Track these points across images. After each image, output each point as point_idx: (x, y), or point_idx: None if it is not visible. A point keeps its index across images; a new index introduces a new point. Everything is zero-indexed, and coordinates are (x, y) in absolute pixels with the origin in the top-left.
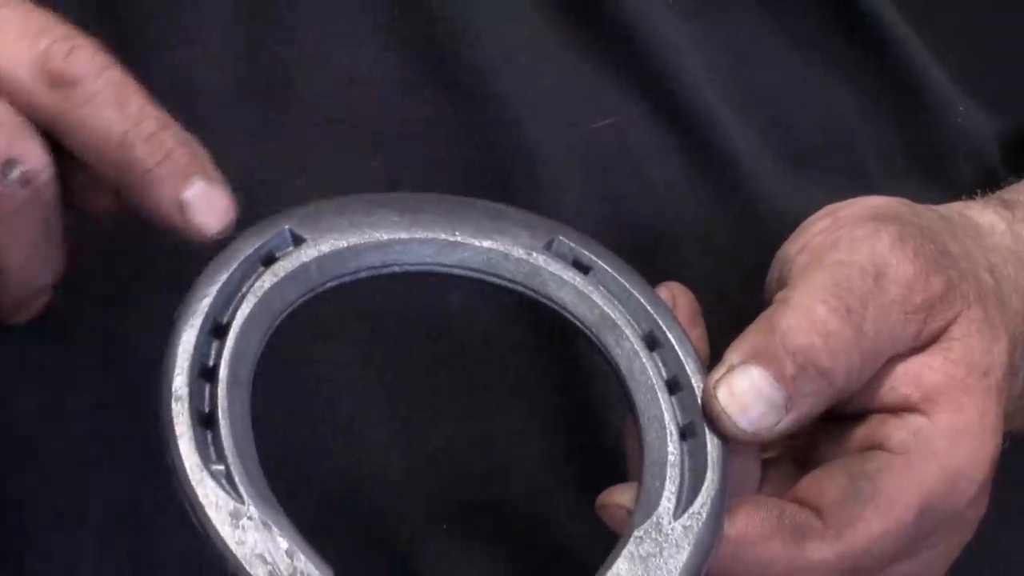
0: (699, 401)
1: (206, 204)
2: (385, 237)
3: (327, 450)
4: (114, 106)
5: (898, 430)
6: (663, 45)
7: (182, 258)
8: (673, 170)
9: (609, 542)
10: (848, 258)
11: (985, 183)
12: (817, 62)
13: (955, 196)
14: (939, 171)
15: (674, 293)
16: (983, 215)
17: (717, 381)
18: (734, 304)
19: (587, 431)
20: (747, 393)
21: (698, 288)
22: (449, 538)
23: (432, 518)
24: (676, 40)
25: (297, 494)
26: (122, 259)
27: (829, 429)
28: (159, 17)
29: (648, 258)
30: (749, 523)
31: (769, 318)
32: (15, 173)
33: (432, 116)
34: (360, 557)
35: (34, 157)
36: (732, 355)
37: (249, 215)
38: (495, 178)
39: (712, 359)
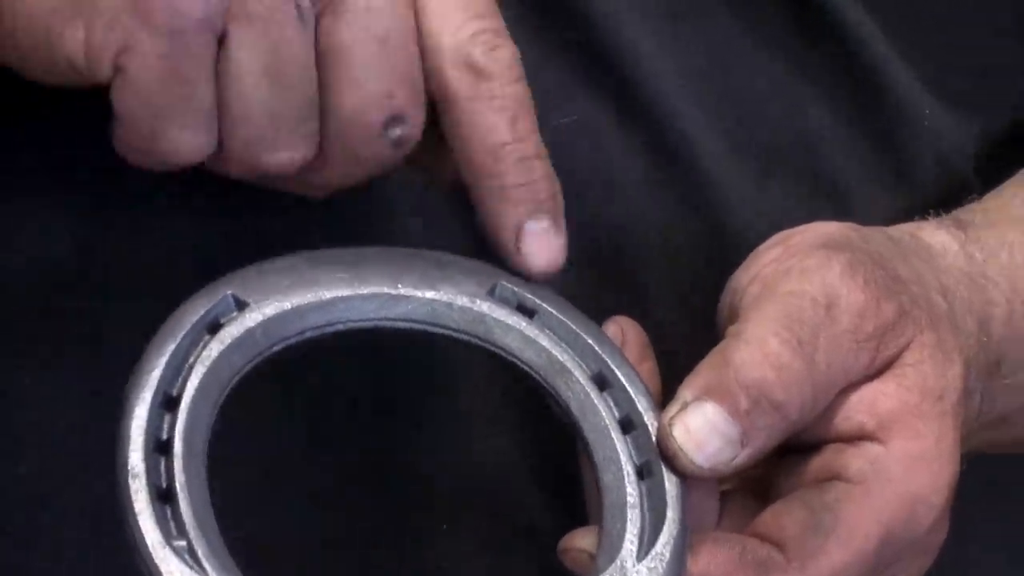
0: (653, 439)
1: (543, 241)
2: (328, 296)
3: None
4: (508, 116)
5: (855, 459)
6: (631, 47)
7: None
8: (638, 171)
9: None
10: (799, 288)
11: (953, 187)
12: (785, 66)
13: (922, 200)
14: (907, 175)
15: (622, 327)
16: (935, 236)
17: (672, 418)
18: (695, 308)
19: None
20: (702, 429)
21: (660, 291)
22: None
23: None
24: (644, 42)
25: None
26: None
27: (785, 461)
28: None
29: (610, 259)
30: (712, 561)
31: (722, 352)
32: (395, 132)
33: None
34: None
35: (417, 125)
36: (686, 392)
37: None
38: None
39: (673, 368)
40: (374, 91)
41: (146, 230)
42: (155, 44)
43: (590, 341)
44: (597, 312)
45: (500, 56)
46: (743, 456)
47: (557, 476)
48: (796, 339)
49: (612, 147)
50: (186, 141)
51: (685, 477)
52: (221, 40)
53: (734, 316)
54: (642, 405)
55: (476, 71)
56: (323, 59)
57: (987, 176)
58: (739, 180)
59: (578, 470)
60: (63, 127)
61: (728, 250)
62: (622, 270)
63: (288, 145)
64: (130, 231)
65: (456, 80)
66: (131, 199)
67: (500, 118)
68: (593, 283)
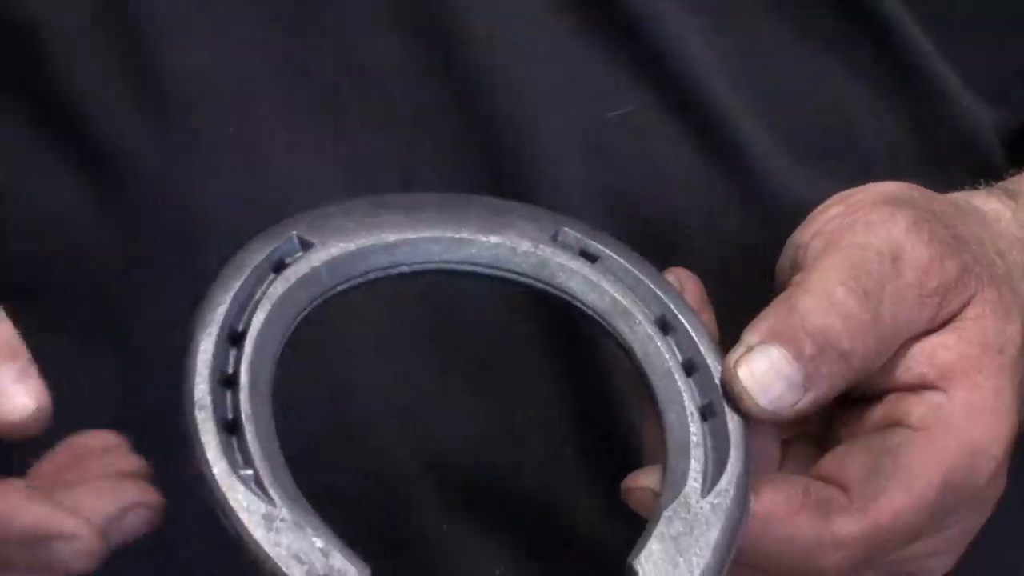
0: (716, 381)
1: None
2: (392, 238)
3: (342, 444)
4: None
5: (917, 406)
6: (671, 36)
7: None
8: (682, 159)
9: (625, 530)
10: (864, 241)
11: (979, 171)
12: (824, 54)
13: (955, 186)
14: (941, 162)
15: (680, 279)
16: (988, 203)
17: (737, 360)
18: (744, 291)
19: (599, 425)
20: (767, 372)
21: (708, 275)
22: (464, 528)
23: (448, 508)
24: (685, 31)
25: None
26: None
27: (846, 410)
28: (174, 19)
29: (658, 246)
30: (775, 499)
31: (788, 300)
32: None
33: (442, 105)
34: (376, 548)
35: None
36: (751, 335)
37: (265, 206)
38: (506, 166)
39: (721, 344)
40: None
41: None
42: None
43: (652, 286)
44: None
45: None
46: (805, 401)
47: (572, 469)
48: (863, 289)
49: (660, 138)
50: None
51: (748, 419)
52: None
53: (796, 271)
54: (704, 348)
55: None
56: None
57: (1012, 158)
58: (784, 167)
59: (592, 462)
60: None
61: (775, 235)
62: (670, 256)
63: None
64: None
65: None
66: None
67: None
68: None
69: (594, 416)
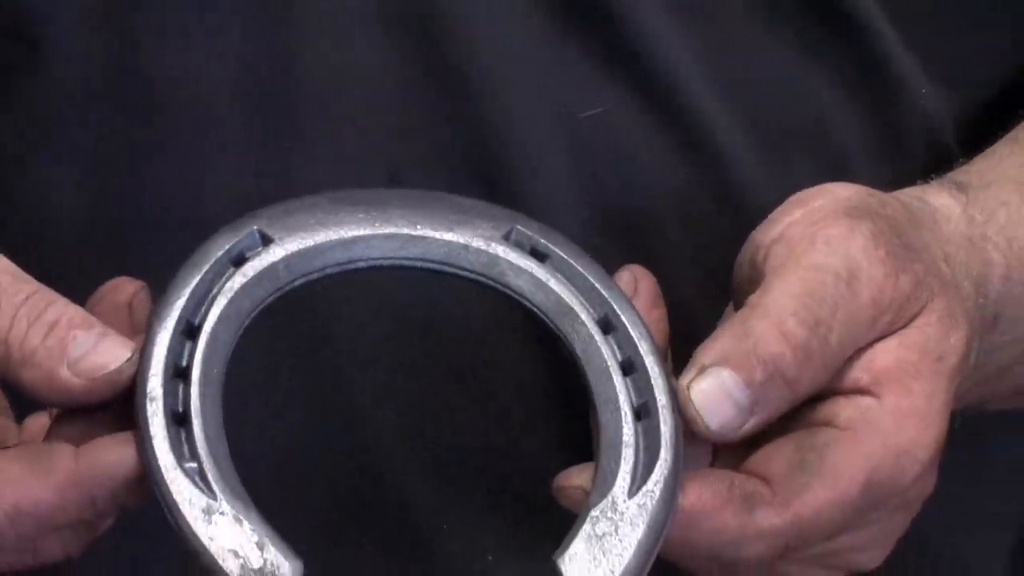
0: (653, 382)
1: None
2: (349, 234)
3: (339, 433)
4: None
5: (846, 408)
6: (647, 36)
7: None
8: (657, 153)
9: None
10: (823, 262)
11: (939, 158)
12: (792, 50)
13: (911, 171)
14: (900, 148)
15: (635, 276)
16: (939, 199)
17: (690, 383)
18: (715, 278)
19: (584, 415)
20: (717, 394)
21: (682, 263)
22: (455, 517)
23: (440, 497)
24: (659, 30)
25: (311, 477)
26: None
27: None
28: (166, 19)
29: (634, 236)
30: (701, 494)
31: (743, 322)
32: None
33: (428, 108)
34: (367, 534)
35: None
36: (704, 357)
37: (254, 203)
38: (489, 165)
39: (690, 326)
40: None
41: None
42: None
43: (598, 286)
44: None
45: None
46: (751, 424)
47: (558, 459)
48: (814, 319)
49: (632, 131)
50: None
51: (695, 439)
52: None
53: (755, 274)
54: (644, 348)
55: None
56: None
57: (968, 147)
58: (753, 158)
59: (577, 453)
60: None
61: (744, 225)
62: (645, 241)
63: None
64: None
65: None
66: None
67: None
68: (619, 253)
69: (579, 406)
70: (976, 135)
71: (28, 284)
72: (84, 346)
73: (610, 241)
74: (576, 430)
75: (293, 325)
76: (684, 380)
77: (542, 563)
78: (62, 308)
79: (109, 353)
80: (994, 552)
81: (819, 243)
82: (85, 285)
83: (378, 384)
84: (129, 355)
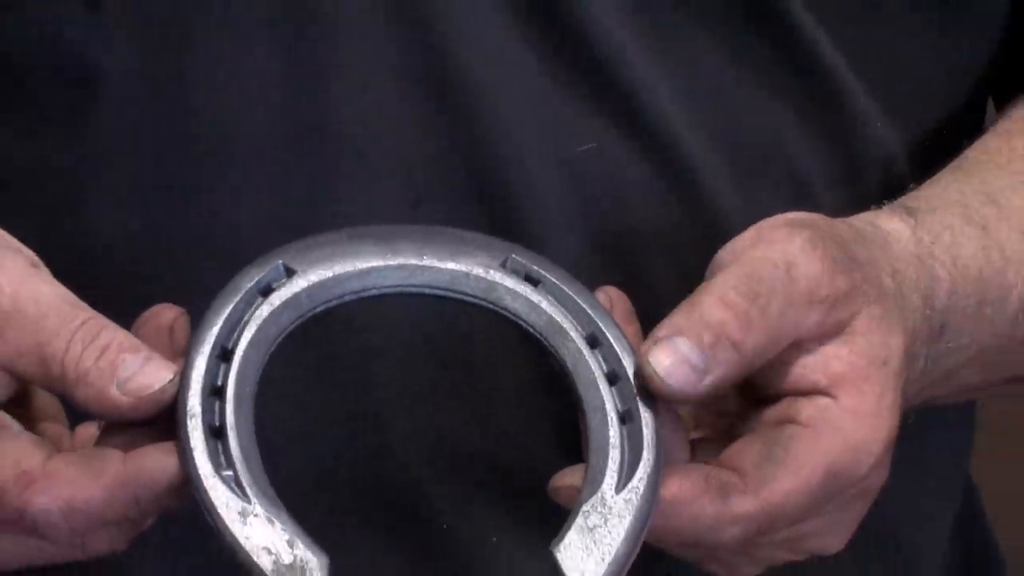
0: (634, 391)
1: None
2: (363, 266)
3: (358, 439)
4: None
5: (807, 408)
6: (635, 79)
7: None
8: (643, 183)
9: None
10: (763, 255)
11: (892, 184)
12: (764, 91)
13: (868, 196)
14: (859, 176)
15: (610, 296)
16: (890, 223)
17: (648, 349)
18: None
19: (574, 421)
20: (673, 357)
21: (664, 283)
22: (463, 504)
23: (449, 486)
24: (646, 75)
25: (333, 479)
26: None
27: (749, 412)
28: (212, 64)
29: (622, 259)
30: (681, 485)
31: (690, 300)
32: None
33: (444, 145)
34: (387, 527)
35: None
36: (661, 330)
37: (289, 239)
38: (495, 192)
39: None
40: None
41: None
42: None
43: (585, 307)
44: None
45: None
46: (707, 382)
47: (556, 464)
48: (753, 292)
49: (620, 164)
50: None
51: (654, 406)
52: None
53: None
54: (626, 361)
55: None
56: None
57: (919, 173)
58: (730, 188)
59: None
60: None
61: (719, 245)
62: (633, 261)
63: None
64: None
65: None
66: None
67: None
68: (609, 272)
69: (570, 413)
70: (926, 163)
71: (84, 311)
72: (132, 368)
73: (601, 261)
74: (568, 434)
75: (315, 347)
76: (643, 348)
77: (540, 549)
78: (113, 333)
79: (154, 375)
80: (938, 533)
81: (761, 244)
82: (131, 310)
83: (391, 395)
84: (171, 376)
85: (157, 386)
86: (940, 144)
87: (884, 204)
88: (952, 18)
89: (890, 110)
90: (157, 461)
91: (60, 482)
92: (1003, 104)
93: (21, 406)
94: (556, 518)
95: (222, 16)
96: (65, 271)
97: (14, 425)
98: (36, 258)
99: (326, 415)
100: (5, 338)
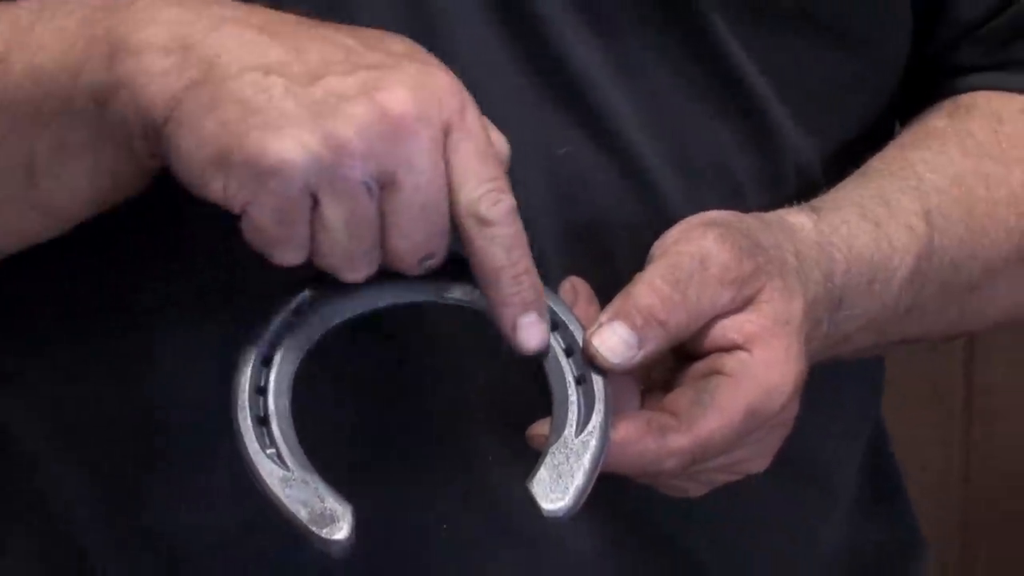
0: (586, 360)
1: (532, 329)
2: (374, 287)
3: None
4: (505, 249)
5: (729, 361)
6: (604, 97)
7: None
8: (607, 185)
9: None
10: (683, 249)
11: (807, 189)
12: (706, 105)
13: (787, 199)
14: (779, 181)
15: (574, 284)
16: (797, 218)
17: (593, 333)
18: None
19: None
20: (612, 339)
21: (625, 267)
22: (468, 439)
23: (460, 432)
24: (610, 93)
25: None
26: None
27: (683, 366)
28: None
29: (595, 253)
30: (628, 428)
31: (627, 289)
32: (427, 263)
33: None
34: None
35: (441, 257)
36: (602, 315)
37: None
38: None
39: None
40: (416, 240)
41: None
42: (270, 202)
43: (546, 300)
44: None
45: (501, 208)
46: (639, 356)
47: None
48: (675, 279)
49: (591, 167)
50: (287, 258)
51: (604, 373)
52: (315, 201)
53: None
54: (579, 337)
55: (482, 220)
56: (384, 218)
57: (830, 179)
58: (678, 190)
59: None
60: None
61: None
62: (602, 251)
63: (356, 268)
64: None
65: (469, 227)
66: None
67: (499, 250)
68: (579, 269)
69: (538, 380)
70: (838, 171)
71: None
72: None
73: (577, 249)
74: (538, 394)
75: (339, 354)
76: (589, 332)
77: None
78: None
79: (538, 338)
80: (849, 456)
81: (682, 240)
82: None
83: (402, 377)
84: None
85: (530, 347)
86: (851, 156)
87: (796, 203)
88: (859, 52)
89: (806, 125)
90: None
91: None
92: (906, 122)
93: None
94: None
95: None
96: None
97: None
98: None
99: (341, 407)
100: None
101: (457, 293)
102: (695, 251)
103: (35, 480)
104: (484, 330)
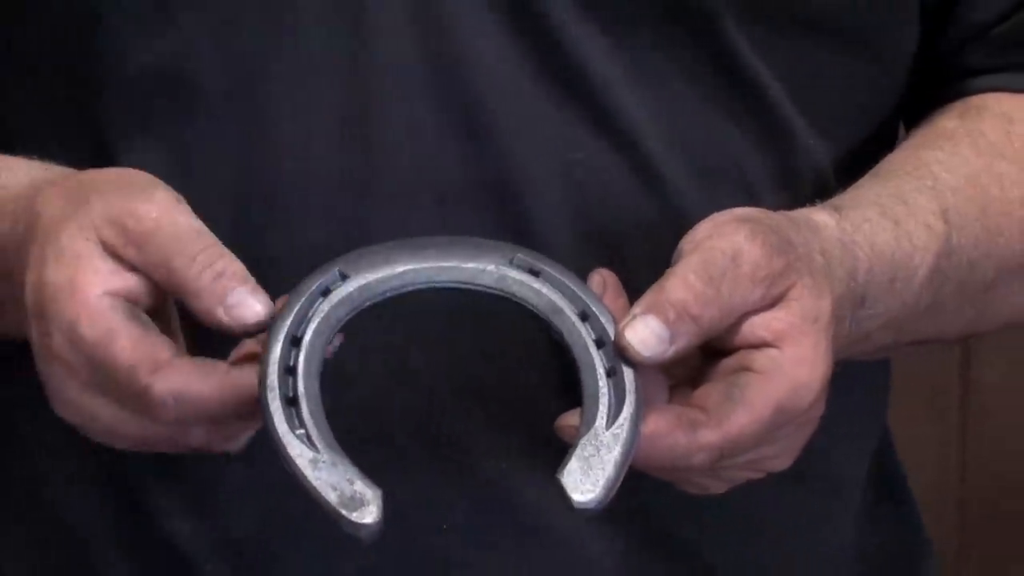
0: (617, 352)
1: (243, 307)
2: (402, 268)
3: (400, 398)
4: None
5: (759, 358)
6: (620, 102)
7: None
8: (623, 190)
9: None
10: (715, 244)
11: (822, 190)
12: (720, 110)
13: (803, 199)
14: (794, 183)
15: (603, 276)
16: (820, 216)
17: (626, 326)
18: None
19: (574, 377)
20: (645, 332)
21: (641, 273)
22: (485, 441)
23: (477, 432)
24: (626, 98)
25: (382, 431)
26: None
27: (713, 362)
28: (281, 99)
29: (610, 254)
30: (658, 422)
31: (659, 283)
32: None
33: (461, 154)
34: (424, 462)
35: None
36: (635, 308)
37: (344, 250)
38: (505, 194)
39: None
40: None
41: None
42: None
43: (576, 290)
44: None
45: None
46: (672, 350)
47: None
48: (708, 275)
49: (608, 170)
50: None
51: (635, 366)
52: None
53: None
54: (610, 329)
55: None
56: None
57: (844, 180)
58: (695, 192)
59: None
60: None
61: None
62: (617, 252)
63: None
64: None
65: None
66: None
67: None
68: (598, 260)
69: (570, 371)
70: (850, 172)
71: (210, 239)
72: (237, 297)
73: (592, 251)
74: (570, 386)
75: (367, 335)
76: (621, 325)
77: (547, 476)
78: (228, 262)
79: (250, 309)
80: (859, 459)
81: (714, 236)
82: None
83: (431, 361)
84: (264, 314)
85: (252, 320)
86: (861, 157)
87: (816, 203)
88: (870, 55)
89: (818, 127)
90: (252, 376)
91: (179, 373)
92: (911, 124)
93: (162, 321)
94: (552, 450)
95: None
96: None
97: (155, 327)
98: (180, 196)
99: (371, 388)
100: (146, 251)
101: (489, 280)
102: (727, 247)
103: (35, 469)
104: (500, 325)
